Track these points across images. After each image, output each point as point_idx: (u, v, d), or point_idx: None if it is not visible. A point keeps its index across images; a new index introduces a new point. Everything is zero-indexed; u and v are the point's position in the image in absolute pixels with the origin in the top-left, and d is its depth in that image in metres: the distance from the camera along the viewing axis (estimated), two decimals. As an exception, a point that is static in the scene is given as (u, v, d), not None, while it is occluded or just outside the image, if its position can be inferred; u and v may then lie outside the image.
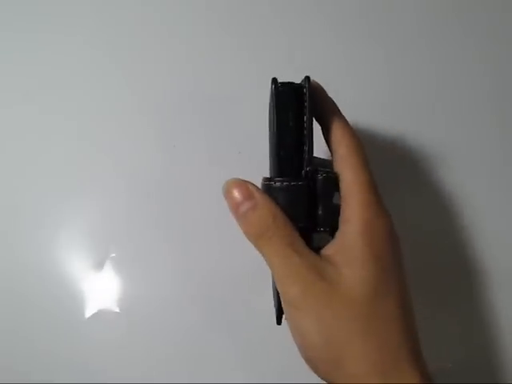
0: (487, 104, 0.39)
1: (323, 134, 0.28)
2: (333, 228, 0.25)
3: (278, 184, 0.25)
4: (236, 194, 0.25)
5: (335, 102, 0.28)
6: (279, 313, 0.27)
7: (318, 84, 0.27)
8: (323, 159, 0.31)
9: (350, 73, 0.39)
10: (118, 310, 0.36)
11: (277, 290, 0.26)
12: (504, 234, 0.37)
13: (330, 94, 0.28)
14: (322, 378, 0.25)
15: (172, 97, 0.39)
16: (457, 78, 0.39)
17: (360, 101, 0.37)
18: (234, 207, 0.25)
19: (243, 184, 0.25)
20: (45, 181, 0.38)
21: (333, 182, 0.25)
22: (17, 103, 0.39)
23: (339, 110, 0.27)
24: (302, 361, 0.29)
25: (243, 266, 0.35)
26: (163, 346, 0.36)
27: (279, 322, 0.28)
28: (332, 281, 0.24)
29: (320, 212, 0.25)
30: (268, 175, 0.27)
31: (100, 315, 0.36)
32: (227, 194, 0.26)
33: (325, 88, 0.27)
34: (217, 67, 0.39)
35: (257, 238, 0.25)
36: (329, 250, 0.25)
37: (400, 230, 0.25)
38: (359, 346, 0.23)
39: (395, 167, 0.38)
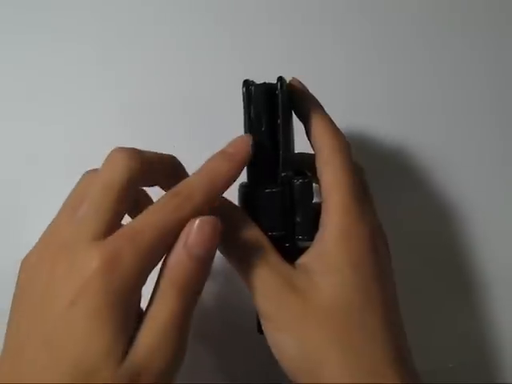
0: (486, 105, 0.39)
1: (306, 132, 0.27)
2: (314, 235, 0.25)
3: (252, 191, 0.24)
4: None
5: (333, 101, 0.27)
6: (259, 322, 0.27)
7: (299, 82, 0.27)
8: (303, 154, 0.30)
9: (348, 74, 0.39)
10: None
11: None
12: (503, 233, 0.37)
13: (327, 95, 0.27)
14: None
15: (172, 97, 0.39)
16: (455, 79, 0.39)
17: (356, 102, 0.37)
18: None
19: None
20: (45, 181, 0.38)
21: (310, 188, 0.25)
22: (17, 100, 0.39)
23: (322, 108, 0.26)
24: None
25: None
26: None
27: (260, 330, 0.27)
28: (305, 291, 0.23)
29: (298, 219, 0.24)
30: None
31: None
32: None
33: (321, 88, 0.27)
34: (217, 67, 0.39)
35: (228, 256, 0.25)
36: (305, 257, 0.25)
37: (397, 231, 0.25)
38: (337, 357, 0.22)
39: (392, 169, 0.38)
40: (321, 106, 0.27)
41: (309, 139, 0.27)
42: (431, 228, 0.38)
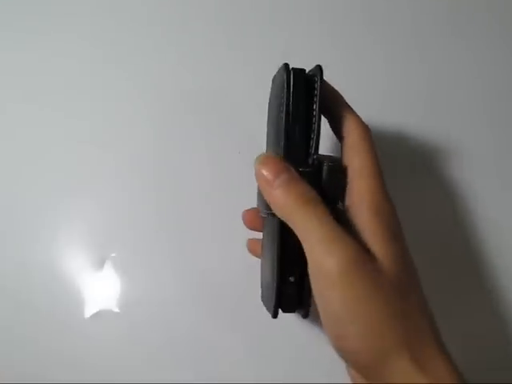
0: (494, 101, 0.39)
1: (330, 124, 0.28)
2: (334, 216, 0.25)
3: None
4: (270, 168, 0.24)
5: None
6: (278, 304, 0.26)
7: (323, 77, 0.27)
8: (329, 155, 0.31)
9: (351, 71, 0.39)
10: (118, 309, 0.36)
11: (281, 279, 0.24)
12: (507, 234, 0.37)
13: None
14: (359, 372, 0.24)
15: (172, 97, 0.39)
16: (454, 77, 0.39)
17: (361, 99, 0.37)
18: (270, 181, 0.24)
19: (277, 159, 0.25)
20: (45, 181, 0.38)
21: (338, 172, 0.25)
22: (16, 102, 0.39)
23: (345, 101, 0.27)
24: (304, 360, 0.29)
25: (243, 265, 0.35)
26: (163, 346, 0.36)
27: (276, 314, 0.26)
28: (374, 261, 0.22)
29: (326, 201, 0.24)
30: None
31: (100, 315, 0.36)
32: (261, 168, 0.24)
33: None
34: (217, 67, 0.39)
35: (298, 206, 0.23)
36: None
37: (405, 227, 0.25)
38: (401, 335, 0.22)
39: (400, 164, 0.38)
40: (344, 99, 0.27)
41: (333, 128, 0.27)
42: (433, 228, 0.38)
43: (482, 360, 0.35)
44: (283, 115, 0.24)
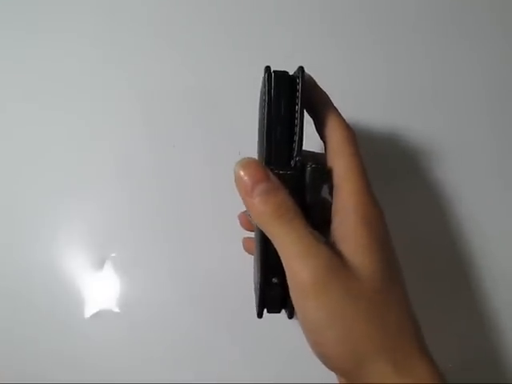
0: (484, 102, 0.39)
1: (315, 125, 0.27)
2: (320, 220, 0.25)
3: None
4: (250, 174, 0.24)
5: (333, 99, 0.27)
6: (262, 305, 0.26)
7: (310, 76, 0.27)
8: (314, 152, 0.30)
9: (348, 70, 0.39)
10: (118, 309, 0.36)
11: (265, 281, 0.25)
12: (503, 234, 0.37)
13: (326, 90, 0.28)
14: (338, 375, 0.24)
15: (172, 97, 0.39)
16: (453, 77, 0.39)
17: (355, 98, 0.37)
18: (248, 188, 0.24)
19: (258, 164, 0.24)
20: (45, 181, 0.38)
21: (321, 174, 0.25)
22: (16, 101, 0.39)
23: (331, 102, 0.27)
24: (304, 360, 0.29)
25: (243, 265, 0.35)
26: (163, 346, 0.36)
27: (260, 314, 0.26)
28: (349, 268, 0.22)
29: (308, 203, 0.25)
30: None
31: (100, 315, 0.36)
32: (239, 174, 0.24)
33: (321, 85, 0.27)
34: (217, 67, 0.39)
35: (274, 219, 0.23)
36: (329, 241, 0.24)
37: (394, 228, 0.25)
38: (378, 339, 0.22)
39: (390, 164, 0.38)
40: (330, 100, 0.27)
41: (318, 131, 0.27)
42: (432, 227, 0.38)
43: (466, 360, 0.35)
44: (265, 117, 0.24)
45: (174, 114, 0.38)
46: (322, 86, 0.27)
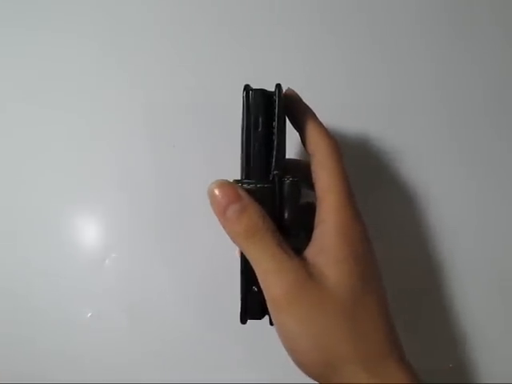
0: (484, 110, 0.39)
1: (301, 138, 0.28)
2: (301, 231, 0.26)
3: (245, 186, 0.25)
4: (223, 195, 0.25)
5: (330, 104, 0.28)
6: (244, 312, 0.27)
7: (293, 91, 0.28)
8: (298, 160, 0.31)
9: (348, 70, 0.39)
10: (118, 309, 0.36)
11: (246, 289, 0.26)
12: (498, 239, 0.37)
13: (324, 97, 0.28)
14: (314, 380, 0.25)
15: (172, 97, 0.39)
16: (454, 87, 0.39)
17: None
18: (222, 209, 0.25)
19: (231, 185, 0.25)
20: (45, 181, 0.38)
21: (299, 187, 0.26)
22: (16, 101, 0.39)
23: (315, 116, 0.28)
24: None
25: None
26: (163, 346, 0.36)
27: (243, 320, 0.28)
28: (319, 280, 0.24)
29: (286, 216, 0.26)
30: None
31: (100, 315, 0.36)
32: (213, 195, 0.25)
33: (319, 85, 0.27)
34: (217, 67, 0.39)
35: (246, 238, 0.25)
36: (307, 252, 0.25)
37: (395, 232, 0.26)
38: (349, 346, 0.23)
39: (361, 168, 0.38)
40: (314, 113, 0.28)
41: (303, 144, 0.28)
42: (431, 228, 0.38)
43: (468, 360, 0.35)
44: (244, 133, 0.26)
45: (174, 113, 0.38)
46: (320, 86, 0.27)
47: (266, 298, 0.25)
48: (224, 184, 0.25)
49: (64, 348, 0.36)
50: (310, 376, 0.25)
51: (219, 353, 0.36)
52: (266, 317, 0.27)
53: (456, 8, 0.39)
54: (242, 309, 0.27)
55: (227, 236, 0.36)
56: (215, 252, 0.37)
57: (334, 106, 0.31)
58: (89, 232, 0.37)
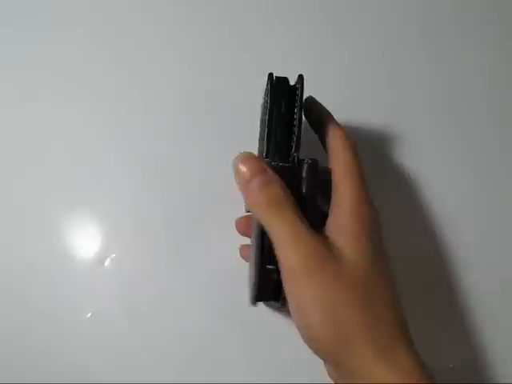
0: (486, 102, 0.39)
1: (319, 138, 0.30)
2: (317, 211, 0.27)
3: (267, 162, 0.27)
4: (248, 167, 0.26)
5: (333, 100, 0.29)
6: (258, 291, 0.27)
7: (311, 95, 0.30)
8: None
9: (348, 70, 0.39)
10: (118, 309, 0.36)
11: (262, 266, 0.27)
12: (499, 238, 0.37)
13: (327, 93, 0.29)
14: (323, 359, 0.26)
15: (172, 96, 0.39)
16: (456, 84, 0.39)
17: (356, 102, 0.38)
18: (246, 181, 0.26)
19: (256, 159, 0.27)
20: (45, 181, 0.38)
21: (317, 169, 0.27)
22: (17, 101, 0.39)
23: (332, 116, 0.30)
24: (304, 359, 0.29)
25: (243, 265, 0.35)
26: (163, 346, 0.36)
27: (255, 301, 0.28)
28: (336, 255, 0.25)
29: (304, 195, 0.27)
30: None
31: (100, 315, 0.36)
32: (238, 167, 0.26)
33: (321, 84, 0.29)
34: (217, 67, 0.39)
35: (268, 208, 0.25)
36: (324, 230, 0.27)
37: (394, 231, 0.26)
38: (361, 324, 0.24)
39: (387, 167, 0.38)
40: (330, 114, 0.30)
41: (322, 143, 0.30)
42: (432, 228, 0.38)
43: (468, 360, 0.36)
44: (267, 118, 0.27)
45: (173, 113, 0.38)
46: (322, 86, 0.29)
47: (283, 269, 0.25)
48: (249, 157, 0.27)
49: (63, 348, 0.36)
50: (318, 353, 0.25)
51: (219, 353, 0.36)
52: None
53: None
54: (255, 288, 0.27)
55: (227, 236, 0.36)
56: (215, 252, 0.37)
57: (337, 102, 0.31)
58: (89, 232, 0.37)
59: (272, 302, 0.28)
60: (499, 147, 0.38)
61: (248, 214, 0.32)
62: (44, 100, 0.39)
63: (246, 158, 0.27)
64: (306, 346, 0.35)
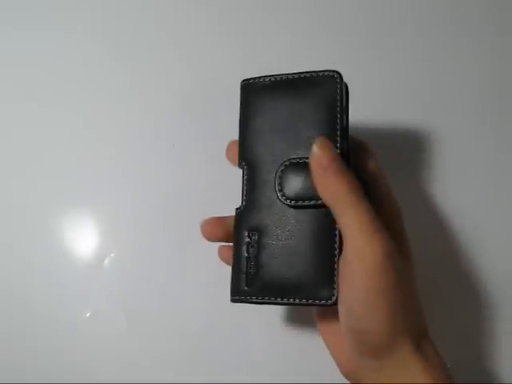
0: (484, 101, 0.39)
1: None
2: None
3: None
4: (331, 151, 0.26)
5: None
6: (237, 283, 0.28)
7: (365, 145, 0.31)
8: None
9: (348, 70, 0.39)
10: (117, 309, 0.36)
11: (244, 258, 0.28)
12: (503, 236, 0.37)
13: None
14: (365, 354, 0.25)
15: (171, 96, 0.39)
16: (459, 80, 0.39)
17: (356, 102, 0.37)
18: (329, 162, 0.26)
19: (333, 146, 0.27)
20: (46, 181, 0.38)
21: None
22: (16, 101, 0.39)
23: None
24: (304, 360, 0.29)
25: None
26: (163, 346, 0.36)
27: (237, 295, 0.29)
28: (400, 253, 0.26)
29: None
30: None
31: (99, 314, 0.36)
32: (322, 149, 0.26)
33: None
34: (217, 66, 0.39)
35: (351, 194, 0.25)
36: None
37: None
38: (410, 321, 0.25)
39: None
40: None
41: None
42: (432, 228, 0.38)
43: (468, 360, 0.36)
44: (338, 115, 0.28)
45: (173, 113, 0.38)
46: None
47: (350, 257, 0.25)
48: (327, 143, 0.26)
49: (63, 348, 0.36)
50: (365, 347, 0.25)
51: (218, 353, 0.35)
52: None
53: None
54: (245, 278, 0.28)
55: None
56: (215, 252, 0.36)
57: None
58: (88, 232, 0.37)
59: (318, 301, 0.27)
60: (495, 146, 0.38)
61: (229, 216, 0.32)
62: (44, 100, 0.39)
63: (325, 142, 0.26)
64: (306, 346, 0.35)
